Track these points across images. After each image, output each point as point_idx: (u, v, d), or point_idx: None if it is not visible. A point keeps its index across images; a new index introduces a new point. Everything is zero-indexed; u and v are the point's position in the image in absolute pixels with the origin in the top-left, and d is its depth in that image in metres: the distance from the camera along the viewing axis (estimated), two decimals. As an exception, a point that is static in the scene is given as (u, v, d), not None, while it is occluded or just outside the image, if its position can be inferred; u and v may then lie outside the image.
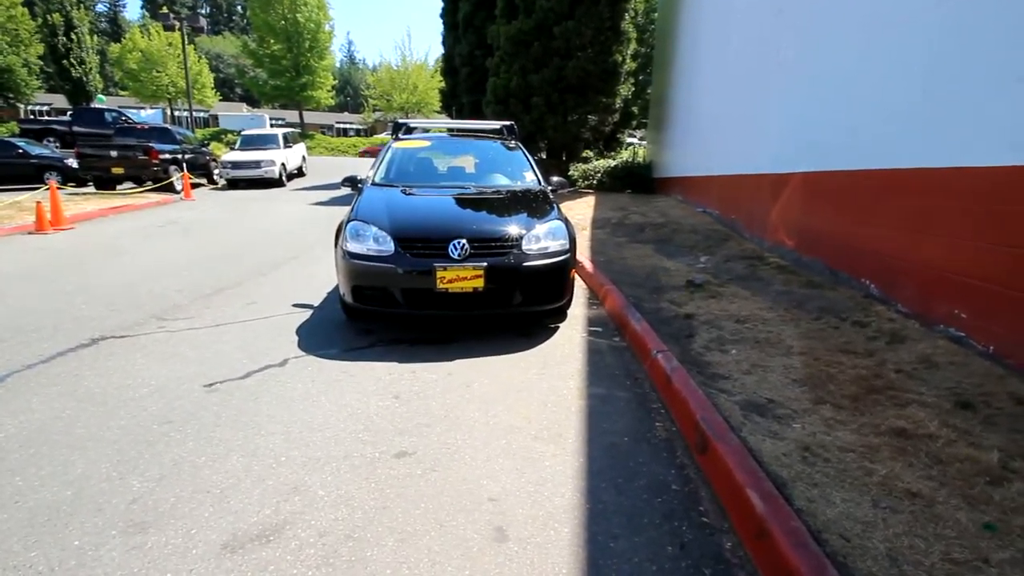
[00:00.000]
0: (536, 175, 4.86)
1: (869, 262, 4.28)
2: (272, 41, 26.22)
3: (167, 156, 13.06)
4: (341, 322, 4.19)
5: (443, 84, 19.47)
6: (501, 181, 4.81)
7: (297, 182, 16.83)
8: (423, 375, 3.22)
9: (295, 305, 4.63)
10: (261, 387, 3.03)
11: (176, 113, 30.36)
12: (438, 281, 3.50)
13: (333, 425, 2.61)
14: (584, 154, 14.39)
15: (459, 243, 3.58)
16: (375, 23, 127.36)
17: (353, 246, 3.72)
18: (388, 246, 3.63)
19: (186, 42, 20.97)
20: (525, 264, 3.63)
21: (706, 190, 9.01)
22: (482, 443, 2.46)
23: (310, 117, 31.45)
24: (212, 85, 30.70)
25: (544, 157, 14.17)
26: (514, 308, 3.76)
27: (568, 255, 3.83)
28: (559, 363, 3.43)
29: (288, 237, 8.15)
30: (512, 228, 3.76)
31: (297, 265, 6.32)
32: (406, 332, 3.91)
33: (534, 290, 3.73)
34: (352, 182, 4.79)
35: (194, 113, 25.17)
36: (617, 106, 12.83)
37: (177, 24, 20.61)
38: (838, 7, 5.02)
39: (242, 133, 17.20)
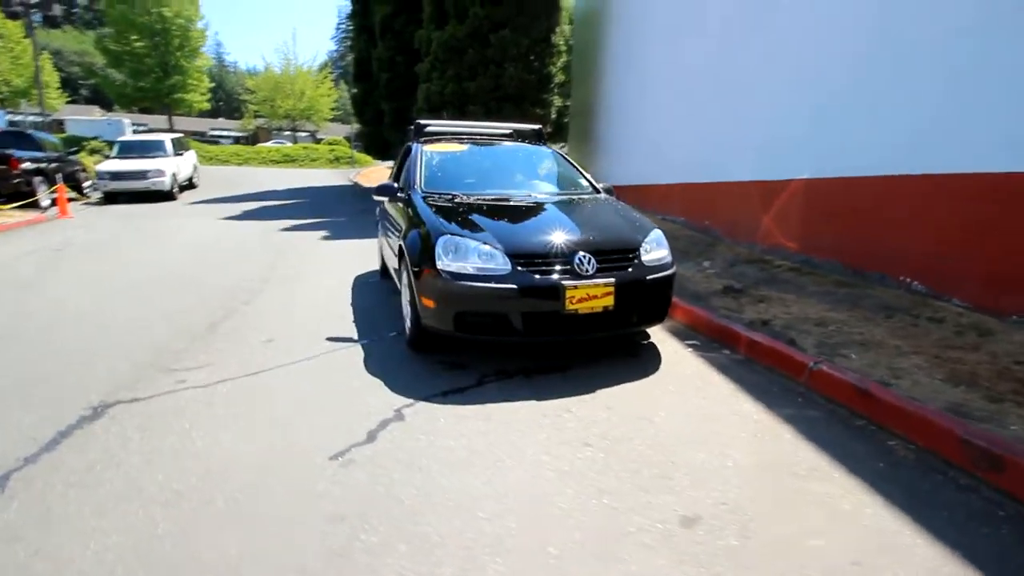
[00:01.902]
0: (590, 180, 4.54)
1: (912, 261, 4.53)
2: (134, 38, 22.82)
3: (29, 166, 10.70)
4: (410, 357, 3.53)
5: (354, 90, 18.29)
6: (555, 187, 4.41)
7: (190, 195, 14.74)
8: (580, 412, 2.75)
9: (330, 339, 3.85)
10: (403, 450, 2.38)
11: (11, 118, 25.22)
12: (567, 302, 3.04)
13: (552, 492, 2.08)
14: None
15: (585, 256, 3.14)
16: (245, 25, 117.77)
17: (453, 264, 3.12)
18: (501, 263, 3.09)
19: (34, 35, 17.38)
20: (649, 277, 3.30)
21: (666, 198, 9.26)
22: (752, 490, 2.09)
23: (181, 123, 27.89)
24: (58, 85, 25.83)
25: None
26: (632, 326, 3.41)
27: (675, 265, 3.56)
28: (703, 385, 3.14)
29: (232, 257, 6.98)
30: (628, 238, 3.41)
31: (278, 289, 5.37)
32: (503, 362, 3.37)
33: (651, 305, 3.41)
34: (389, 191, 4.12)
35: (36, 117, 20.99)
36: (553, 116, 12.86)
37: (21, 11, 17.01)
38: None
39: (119, 139, 14.68)
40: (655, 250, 3.46)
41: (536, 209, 3.75)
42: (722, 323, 3.84)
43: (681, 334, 4.03)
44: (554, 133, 13.36)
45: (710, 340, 3.89)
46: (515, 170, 4.52)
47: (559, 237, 3.24)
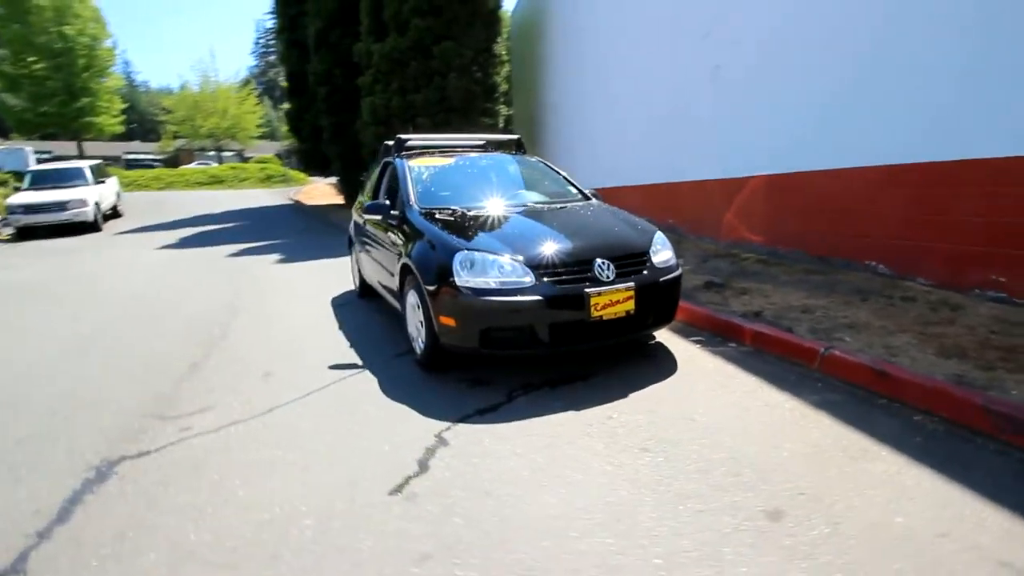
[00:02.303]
0: (577, 187, 4.58)
1: (875, 246, 4.87)
2: (32, 59, 20.86)
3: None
4: (424, 377, 3.43)
5: (288, 106, 17.60)
6: (547, 196, 4.41)
7: (116, 225, 13.69)
8: (622, 418, 2.76)
9: (333, 367, 3.67)
10: (462, 476, 2.29)
11: None
12: (592, 309, 3.05)
13: (633, 502, 2.06)
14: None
15: (604, 263, 3.16)
16: (153, 43, 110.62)
17: (473, 280, 3.05)
18: (523, 275, 3.05)
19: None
20: (661, 280, 3.36)
21: (621, 199, 9.50)
22: (818, 476, 2.16)
23: (92, 148, 25.73)
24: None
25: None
26: (648, 328, 3.46)
27: (680, 267, 3.65)
28: (725, 380, 3.22)
29: (187, 289, 6.53)
30: (637, 241, 3.46)
31: (250, 319, 5.07)
32: (524, 375, 3.32)
33: (665, 306, 3.47)
34: (382, 209, 3.98)
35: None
36: (500, 125, 12.93)
37: None
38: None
39: (30, 169, 13.43)
40: (662, 252, 3.53)
41: (540, 218, 3.74)
42: (725, 318, 3.97)
43: (683, 332, 4.13)
44: (502, 142, 13.40)
45: (713, 335, 4.01)
46: (506, 180, 4.49)
47: (574, 245, 3.24)
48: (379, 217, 4.01)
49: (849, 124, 5.05)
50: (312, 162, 17.15)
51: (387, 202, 4.05)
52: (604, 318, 3.09)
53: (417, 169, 4.26)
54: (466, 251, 3.15)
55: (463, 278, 3.06)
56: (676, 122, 7.58)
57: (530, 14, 13.93)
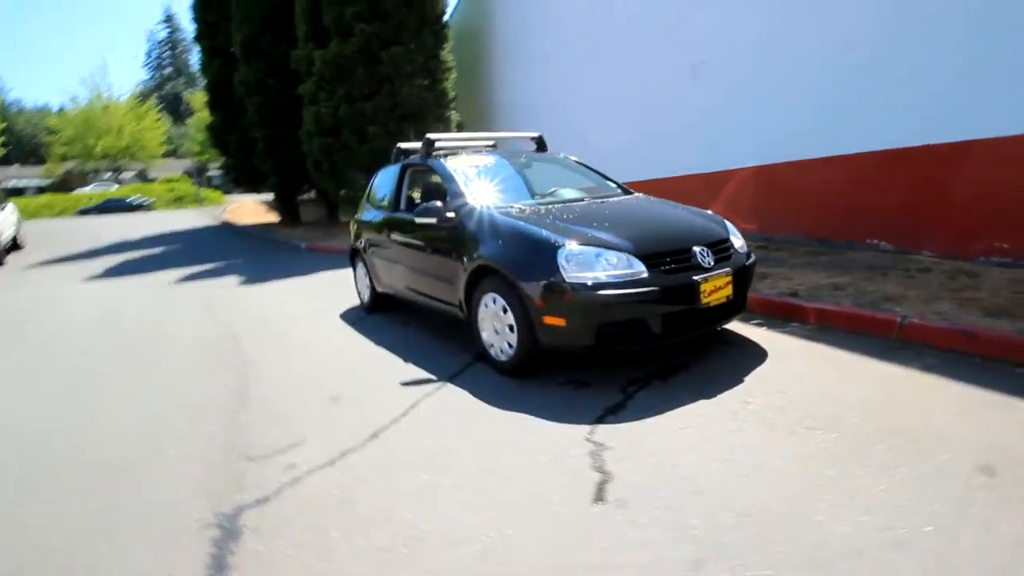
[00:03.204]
0: (613, 180, 4.56)
1: (878, 224, 5.25)
2: None
3: None
4: (521, 385, 3.23)
5: (210, 118, 16.28)
6: (589, 190, 4.36)
7: (20, 258, 12.01)
8: (760, 400, 2.73)
9: (406, 384, 3.40)
10: (654, 476, 2.16)
11: None
12: (701, 296, 3.02)
13: (857, 485, 2.04)
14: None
15: (703, 250, 3.15)
16: (24, 57, 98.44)
17: (584, 276, 2.92)
18: (636, 267, 2.96)
19: None
20: (746, 264, 3.40)
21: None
22: (995, 435, 2.24)
23: (-39, 175, 22.43)
24: None
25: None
26: (738, 313, 3.49)
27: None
28: (822, 358, 3.28)
29: (157, 322, 5.83)
30: (718, 228, 3.48)
31: (261, 344, 4.60)
32: (620, 373, 3.22)
33: (746, 291, 3.51)
34: (435, 212, 3.74)
35: None
36: (455, 131, 12.72)
37: None
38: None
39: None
40: (737, 238, 3.58)
41: (611, 209, 3.68)
42: (783, 300, 4.09)
43: (740, 317, 4.21)
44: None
45: (770, 317, 4.11)
46: (548, 176, 4.39)
47: (671, 233, 3.21)
48: (432, 220, 3.76)
49: (845, 114, 5.43)
50: (243, 177, 16.00)
51: (439, 204, 3.81)
52: (711, 305, 3.08)
53: (464, 169, 4.05)
54: (571, 246, 3.02)
55: (572, 274, 2.93)
56: (660, 115, 7.79)
57: (471, 18, 13.85)
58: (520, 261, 3.13)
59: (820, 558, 1.66)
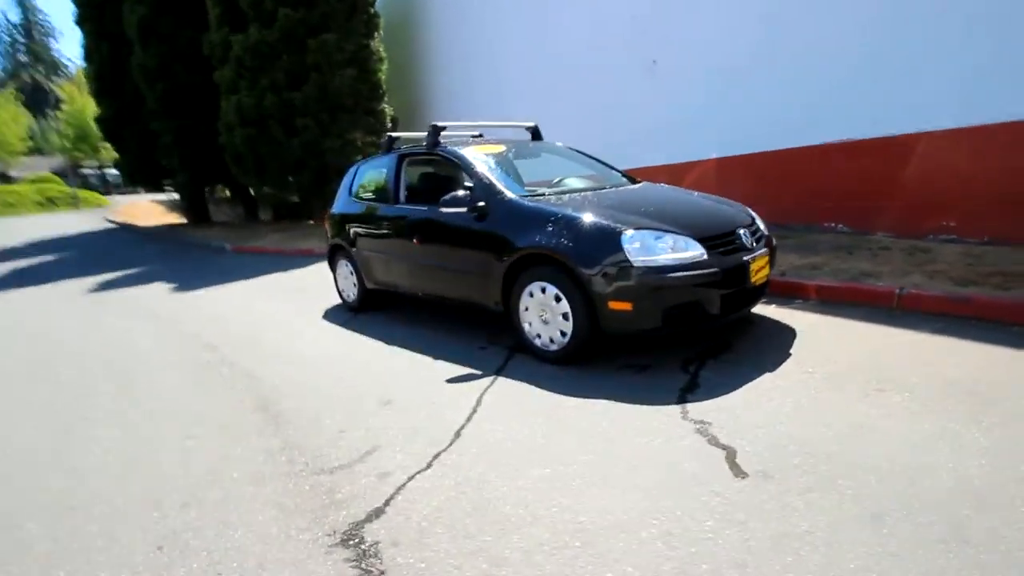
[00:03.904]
0: (617, 169, 4.63)
1: (833, 208, 5.78)
2: None
3: None
4: (578, 372, 3.20)
5: (98, 109, 14.38)
6: (611, 176, 4.39)
7: None
8: (830, 370, 2.88)
9: (451, 381, 3.26)
10: (795, 448, 2.23)
11: None
12: (751, 275, 3.16)
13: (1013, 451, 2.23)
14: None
15: (745, 231, 3.29)
16: None
17: (650, 259, 2.94)
18: (696, 249, 3.03)
19: None
20: (773, 245, 3.60)
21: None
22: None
23: None
24: None
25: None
26: (766, 292, 3.67)
27: (768, 233, 3.92)
28: (845, 331, 3.50)
29: (92, 336, 5.13)
30: (743, 211, 3.65)
31: (253, 356, 4.18)
32: (670, 354, 3.29)
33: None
34: (463, 201, 3.59)
35: None
36: (389, 125, 12.27)
37: None
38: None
39: None
40: (759, 220, 3.78)
41: (641, 196, 3.74)
42: (785, 279, 4.37)
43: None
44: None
45: (774, 296, 4.37)
46: (562, 165, 4.36)
47: (714, 217, 3.32)
48: (462, 210, 3.60)
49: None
50: (141, 174, 14.36)
51: (464, 193, 3.66)
52: (756, 284, 3.23)
53: (482, 158, 3.92)
54: (634, 230, 3.02)
55: (638, 258, 2.94)
56: (617, 110, 7.99)
57: (400, 6, 13.39)
58: (579, 247, 3.08)
59: (974, 499, 1.80)
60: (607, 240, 3.01)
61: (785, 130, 6.06)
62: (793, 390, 2.72)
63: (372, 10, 11.69)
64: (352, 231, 4.87)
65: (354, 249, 4.86)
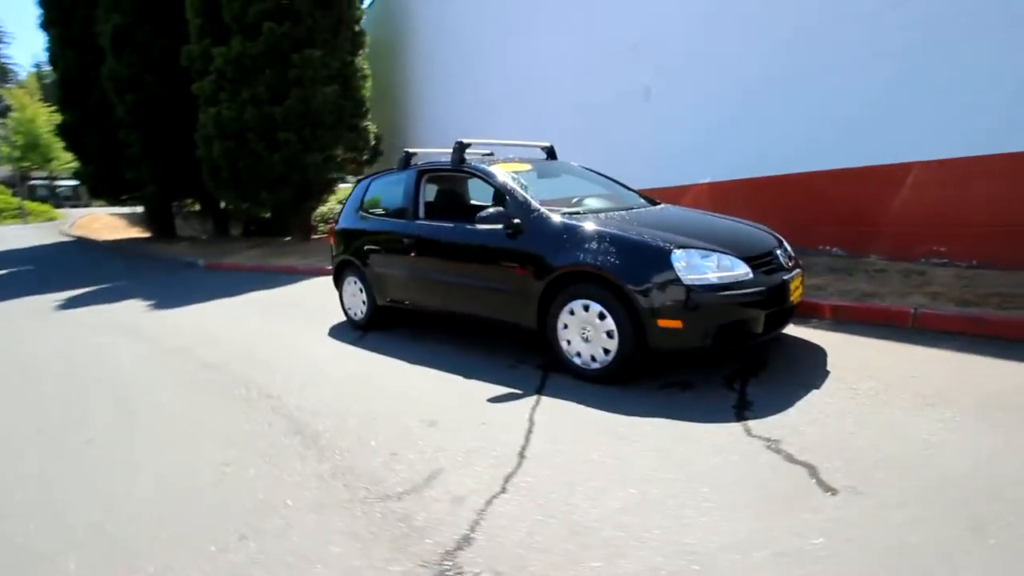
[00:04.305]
0: (634, 191, 4.68)
1: (827, 233, 6.02)
2: None
3: None
4: (622, 393, 3.15)
5: (61, 117, 13.67)
6: (631, 197, 4.44)
7: None
8: (872, 385, 2.95)
9: (493, 400, 3.17)
10: (871, 464, 2.25)
11: None
12: (791, 294, 3.23)
13: None
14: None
15: (782, 252, 3.37)
16: None
17: (700, 277, 2.96)
18: (743, 268, 3.07)
19: None
20: (801, 265, 3.70)
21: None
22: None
23: None
24: None
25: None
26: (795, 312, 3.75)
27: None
28: (871, 349, 3.59)
29: (74, 358, 4.80)
30: (771, 233, 3.73)
31: (266, 375, 3.98)
32: (711, 373, 3.31)
33: (794, 291, 3.81)
34: (501, 218, 3.55)
35: None
36: (372, 142, 12.15)
37: None
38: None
39: None
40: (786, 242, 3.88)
41: (675, 217, 3.80)
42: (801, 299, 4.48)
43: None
44: (372, 159, 12.54)
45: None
46: (585, 184, 4.38)
47: (752, 238, 3.39)
48: (497, 227, 3.56)
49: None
50: (104, 186, 13.68)
51: (500, 210, 3.62)
52: (793, 303, 3.30)
53: (514, 176, 3.89)
54: (682, 248, 3.04)
55: (689, 276, 2.96)
56: (607, 131, 8.14)
57: (384, 22, 13.38)
58: (627, 265, 3.07)
59: (1068, 513, 1.85)
60: (656, 258, 3.02)
61: (782, 158, 6.31)
62: (846, 406, 2.76)
63: (358, 27, 11.64)
64: (364, 247, 4.74)
65: (366, 266, 4.72)
